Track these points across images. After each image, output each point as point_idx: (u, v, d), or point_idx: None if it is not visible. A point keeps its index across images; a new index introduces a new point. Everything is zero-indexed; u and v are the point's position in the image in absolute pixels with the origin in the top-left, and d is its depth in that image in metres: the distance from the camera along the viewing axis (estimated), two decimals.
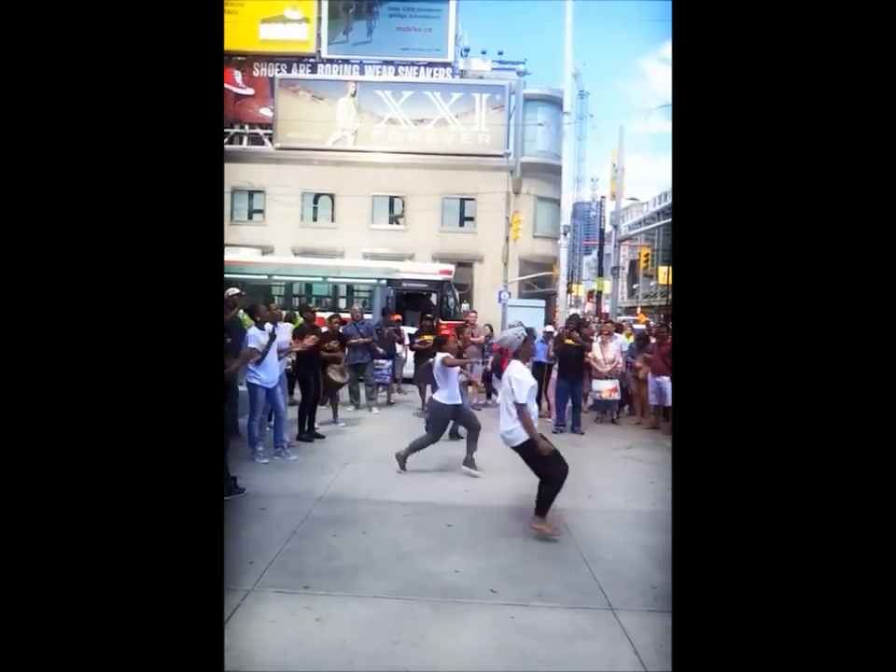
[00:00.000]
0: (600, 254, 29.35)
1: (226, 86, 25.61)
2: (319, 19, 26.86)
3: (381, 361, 10.76)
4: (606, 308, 27.50)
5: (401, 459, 6.52)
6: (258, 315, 6.89)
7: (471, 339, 10.01)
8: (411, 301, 16.52)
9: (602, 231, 31.13)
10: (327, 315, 9.90)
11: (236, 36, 24.77)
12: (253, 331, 6.72)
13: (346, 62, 27.19)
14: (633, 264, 43.17)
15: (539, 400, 6.50)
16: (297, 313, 10.02)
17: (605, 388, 9.60)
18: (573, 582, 3.95)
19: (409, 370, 11.38)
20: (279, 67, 27.11)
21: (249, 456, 6.65)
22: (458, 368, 6.98)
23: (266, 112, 27.01)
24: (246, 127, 27.14)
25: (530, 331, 5.41)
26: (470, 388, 9.83)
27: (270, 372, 6.74)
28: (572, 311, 21.20)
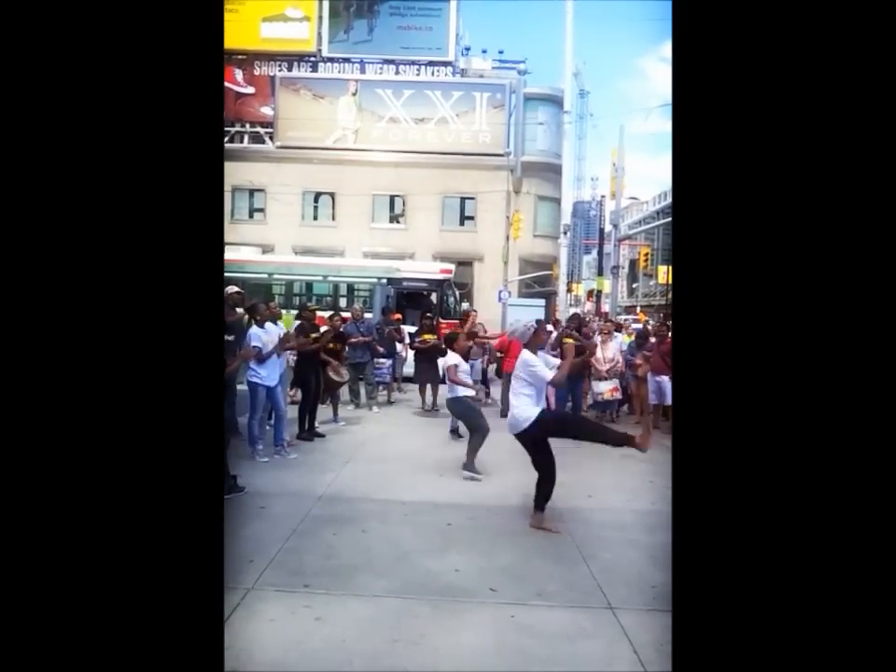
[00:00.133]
0: (600, 253, 29.35)
1: (227, 84, 25.61)
2: (320, 17, 26.85)
3: (381, 360, 10.77)
4: (605, 307, 27.51)
5: (471, 467, 6.41)
6: (257, 314, 6.89)
7: (476, 334, 9.98)
8: (411, 299, 16.52)
9: (602, 231, 31.13)
10: (327, 313, 9.91)
11: (237, 35, 24.76)
12: (254, 330, 6.72)
13: (347, 60, 27.19)
14: (633, 263, 43.22)
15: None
16: (283, 311, 9.99)
17: (606, 389, 9.59)
18: (573, 581, 3.95)
19: (409, 369, 11.38)
20: (280, 66, 27.10)
21: (249, 455, 6.66)
22: (467, 366, 7.02)
23: (267, 111, 27.00)
24: (247, 125, 27.13)
25: (540, 322, 5.43)
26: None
27: (270, 371, 6.74)
28: (572, 310, 21.21)
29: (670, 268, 21.33)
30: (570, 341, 9.05)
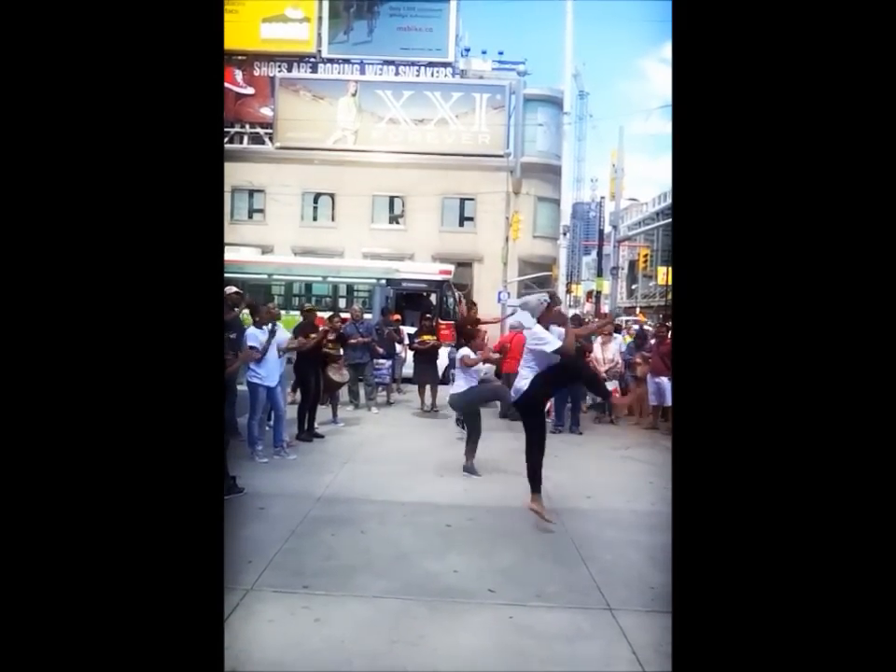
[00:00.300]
0: (599, 254, 29.31)
1: (226, 85, 25.61)
2: (320, 18, 26.86)
3: (380, 361, 10.76)
4: (605, 308, 27.50)
5: (471, 468, 6.44)
6: (257, 315, 6.89)
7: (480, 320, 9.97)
8: (410, 300, 16.53)
9: (601, 232, 31.09)
10: (327, 314, 9.90)
11: (237, 36, 24.77)
12: (252, 331, 6.72)
13: (347, 61, 27.20)
14: (632, 264, 43.18)
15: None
16: (283, 312, 9.98)
17: None
18: (572, 582, 3.95)
19: (408, 369, 11.38)
20: (280, 67, 27.12)
21: (249, 456, 6.65)
22: (480, 363, 7.06)
23: (266, 111, 27.01)
24: (247, 126, 27.14)
25: (553, 297, 5.37)
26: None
27: (270, 371, 6.74)
28: (571, 311, 21.18)
29: (670, 269, 21.35)
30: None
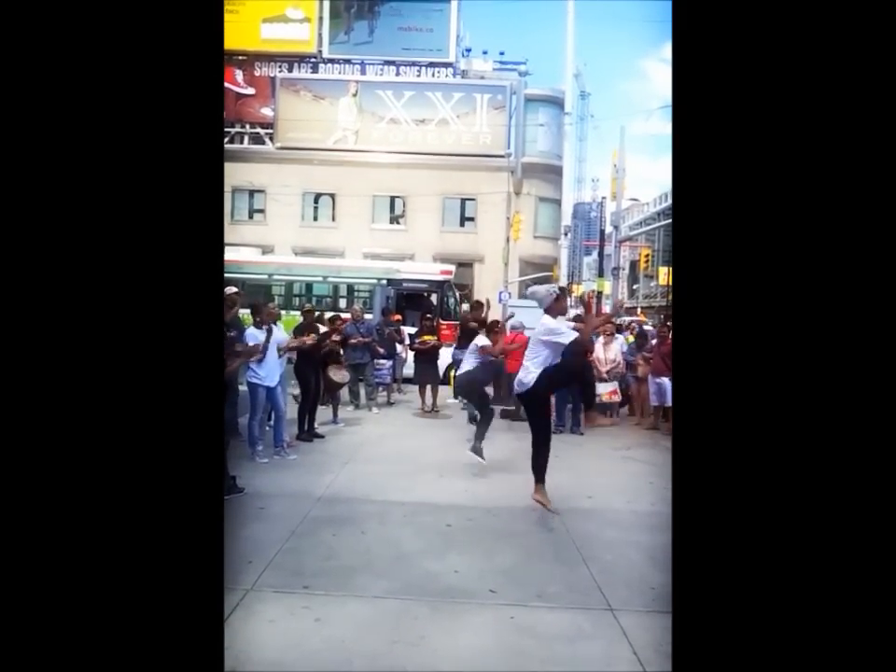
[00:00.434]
0: (601, 254, 29.32)
1: (227, 85, 25.64)
2: (321, 18, 26.89)
3: (381, 361, 10.76)
4: (606, 309, 27.50)
5: (478, 452, 6.44)
6: (258, 315, 6.89)
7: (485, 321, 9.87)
8: (411, 301, 16.54)
9: (602, 232, 31.11)
10: (327, 315, 9.91)
11: (237, 36, 24.80)
12: (251, 331, 6.72)
13: (348, 61, 27.22)
14: (633, 265, 43.15)
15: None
16: (283, 313, 9.99)
17: (605, 391, 9.59)
18: (572, 583, 3.95)
19: (409, 370, 11.39)
20: (280, 67, 27.14)
21: (249, 456, 6.65)
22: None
23: (267, 111, 27.03)
24: (247, 126, 27.16)
25: (563, 290, 5.38)
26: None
27: (270, 371, 6.74)
28: (573, 311, 21.15)
29: (670, 269, 21.33)
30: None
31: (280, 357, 6.99)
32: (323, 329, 8.88)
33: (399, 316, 13.09)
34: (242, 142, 27.05)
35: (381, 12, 26.92)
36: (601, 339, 10.03)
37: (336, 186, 26.56)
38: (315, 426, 8.11)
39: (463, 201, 26.83)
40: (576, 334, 4.80)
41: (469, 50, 28.19)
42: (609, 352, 9.80)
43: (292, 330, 8.35)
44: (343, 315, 10.58)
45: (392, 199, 27.06)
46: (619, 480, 6.54)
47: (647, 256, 33.37)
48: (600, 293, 28.87)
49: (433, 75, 26.97)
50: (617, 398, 9.67)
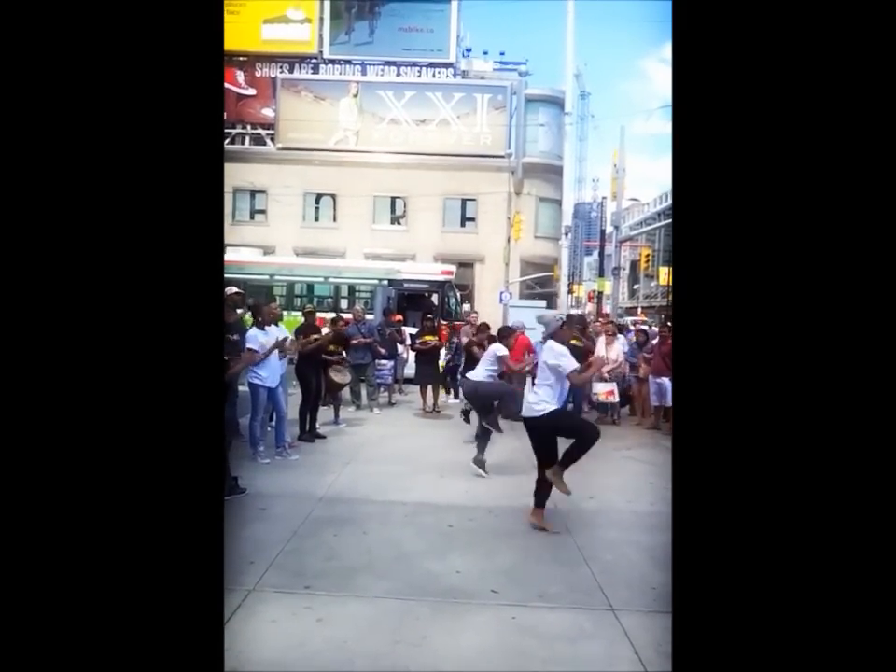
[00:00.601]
0: (601, 254, 29.29)
1: (228, 86, 25.66)
2: (321, 19, 26.89)
3: (382, 362, 10.76)
4: (606, 308, 27.48)
5: (481, 464, 6.42)
6: (259, 316, 6.89)
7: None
8: (412, 301, 16.52)
9: (603, 232, 31.10)
10: (329, 315, 9.89)
11: (238, 37, 24.82)
12: (253, 332, 6.71)
13: (348, 62, 27.22)
14: (634, 265, 43.16)
15: None
16: (284, 313, 9.84)
17: (602, 391, 9.59)
18: (574, 583, 3.95)
19: (410, 370, 11.39)
20: (281, 68, 27.15)
21: (250, 456, 6.65)
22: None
23: (268, 112, 27.04)
24: (248, 127, 27.18)
25: (570, 318, 5.45)
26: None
27: (271, 372, 6.74)
28: (575, 312, 21.17)
29: (671, 269, 21.32)
30: (576, 341, 9.07)
31: (281, 358, 6.99)
32: (325, 330, 8.88)
33: (400, 317, 13.08)
34: (243, 143, 27.06)
35: (381, 13, 26.92)
36: (603, 339, 10.03)
37: (337, 186, 26.56)
38: (317, 426, 8.11)
39: (464, 201, 26.83)
40: (576, 365, 4.83)
41: (469, 51, 28.19)
42: (610, 352, 9.80)
43: (293, 331, 8.34)
44: (345, 316, 10.56)
45: (393, 199, 27.07)
46: (619, 480, 6.54)
47: (647, 256, 33.35)
48: (601, 293, 28.86)
49: (434, 75, 26.96)
50: (613, 398, 9.66)
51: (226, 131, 24.70)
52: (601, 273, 28.59)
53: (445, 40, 26.67)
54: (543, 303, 22.96)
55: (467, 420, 7.82)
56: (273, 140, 26.91)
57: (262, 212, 27.29)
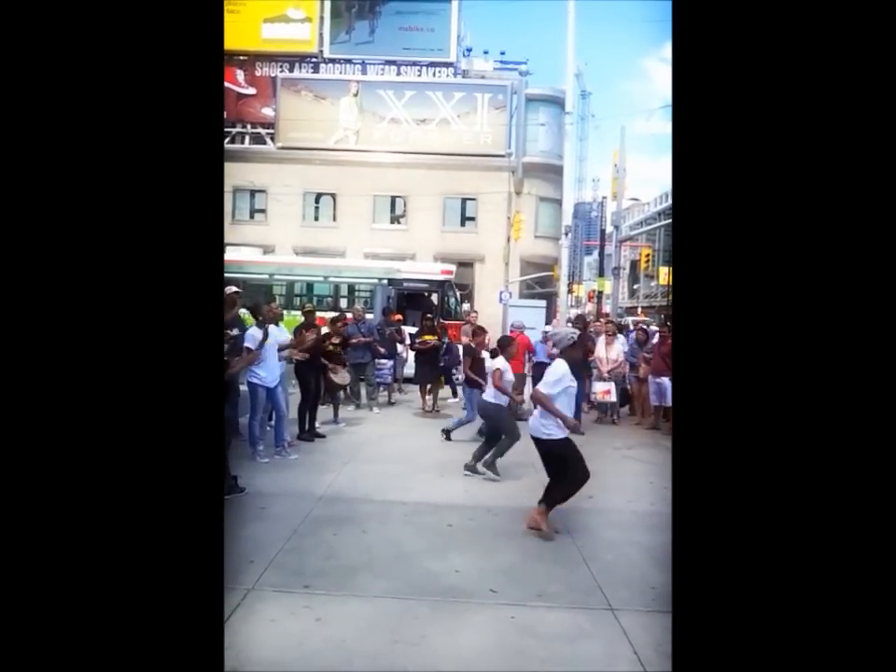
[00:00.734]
0: (601, 254, 29.31)
1: (228, 85, 25.64)
2: (322, 18, 26.85)
3: (382, 361, 10.77)
4: (606, 308, 27.49)
5: (492, 468, 6.34)
6: (260, 315, 6.88)
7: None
8: (412, 300, 16.51)
9: (603, 232, 31.11)
10: (329, 315, 9.88)
11: (238, 36, 24.78)
12: (252, 331, 6.69)
13: (349, 61, 27.19)
14: (634, 264, 43.14)
15: None
16: (284, 312, 9.70)
17: (599, 390, 9.60)
18: (573, 583, 3.95)
19: (410, 369, 11.39)
20: (281, 67, 27.11)
21: (250, 456, 6.66)
22: (511, 376, 6.87)
23: (268, 111, 27.01)
24: (248, 126, 27.14)
25: (581, 337, 5.38)
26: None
27: (270, 371, 6.73)
28: (573, 311, 21.17)
29: (671, 269, 21.31)
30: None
31: (281, 359, 6.98)
32: (325, 329, 8.88)
33: (399, 316, 13.07)
34: (243, 142, 27.03)
35: (382, 12, 26.89)
36: (602, 338, 10.04)
37: (337, 186, 26.54)
38: (316, 425, 8.11)
39: (464, 200, 26.81)
40: (557, 391, 4.80)
41: (469, 50, 28.15)
42: (610, 352, 9.80)
43: (293, 330, 8.33)
44: (346, 316, 10.56)
45: (393, 199, 27.04)
46: (619, 479, 6.54)
47: (647, 256, 33.35)
48: (601, 293, 28.87)
49: (434, 74, 26.93)
50: (610, 397, 9.66)
51: (226, 130, 24.69)
52: (601, 273, 28.60)
53: (446, 39, 26.64)
54: (543, 303, 22.99)
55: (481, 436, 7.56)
56: (273, 139, 26.88)
57: (262, 211, 27.27)
